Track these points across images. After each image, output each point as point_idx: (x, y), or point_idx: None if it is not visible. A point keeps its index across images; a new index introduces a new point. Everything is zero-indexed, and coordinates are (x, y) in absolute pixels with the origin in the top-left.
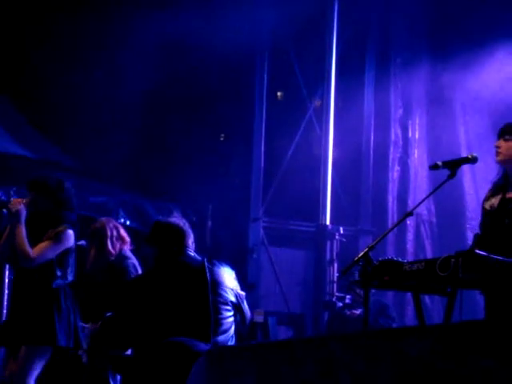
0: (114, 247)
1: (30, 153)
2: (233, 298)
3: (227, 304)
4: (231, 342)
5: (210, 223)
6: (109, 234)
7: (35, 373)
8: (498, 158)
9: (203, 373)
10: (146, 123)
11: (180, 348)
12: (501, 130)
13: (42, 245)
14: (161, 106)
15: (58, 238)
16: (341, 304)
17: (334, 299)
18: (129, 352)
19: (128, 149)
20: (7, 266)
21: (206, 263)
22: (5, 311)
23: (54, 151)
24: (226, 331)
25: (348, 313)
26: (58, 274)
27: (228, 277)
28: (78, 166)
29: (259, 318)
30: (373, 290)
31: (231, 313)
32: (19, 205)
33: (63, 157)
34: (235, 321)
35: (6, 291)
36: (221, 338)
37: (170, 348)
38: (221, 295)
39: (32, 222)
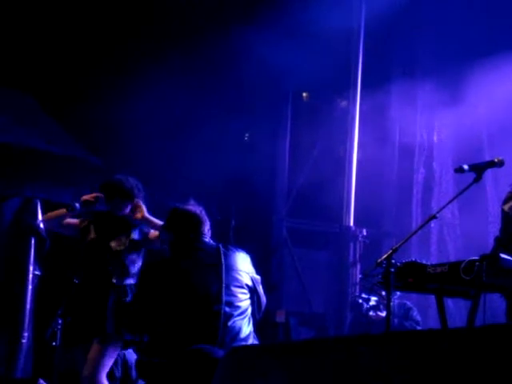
0: None
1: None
2: (248, 282)
3: (243, 287)
4: (249, 326)
5: (233, 222)
6: None
7: (107, 369)
8: None
9: (227, 372)
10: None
11: (202, 355)
12: None
13: None
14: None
15: None
16: (367, 306)
17: (360, 301)
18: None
19: (155, 148)
20: (31, 261)
21: (221, 248)
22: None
23: (78, 148)
24: (242, 313)
25: (373, 315)
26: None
27: (243, 261)
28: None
29: (281, 318)
30: (398, 293)
31: (247, 295)
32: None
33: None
34: (251, 304)
35: (30, 287)
36: (238, 320)
37: (195, 356)
38: (236, 279)
39: (102, 220)
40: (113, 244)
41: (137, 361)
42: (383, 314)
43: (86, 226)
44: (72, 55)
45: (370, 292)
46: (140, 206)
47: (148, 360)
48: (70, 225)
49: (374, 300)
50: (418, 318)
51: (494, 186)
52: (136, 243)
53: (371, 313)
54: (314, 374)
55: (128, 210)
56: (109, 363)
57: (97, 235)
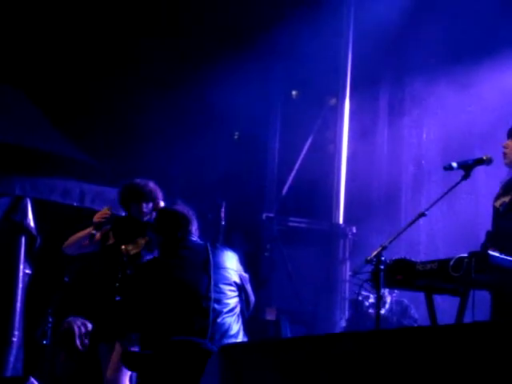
0: (82, 345)
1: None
2: (236, 279)
3: (231, 285)
4: (238, 323)
5: (223, 221)
6: (77, 332)
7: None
8: (505, 161)
9: (217, 369)
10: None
11: (193, 346)
12: (510, 130)
13: None
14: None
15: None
16: (367, 303)
17: (360, 298)
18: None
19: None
20: (22, 260)
21: (209, 246)
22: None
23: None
24: (231, 311)
25: (373, 312)
26: None
27: (230, 259)
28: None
29: (271, 316)
30: (396, 291)
31: (236, 293)
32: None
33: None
34: (240, 301)
35: (21, 285)
36: (227, 317)
37: (185, 346)
38: (224, 276)
39: (121, 225)
40: (129, 247)
41: (124, 353)
42: (382, 311)
43: (105, 233)
44: (69, 55)
45: (360, 289)
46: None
47: (137, 352)
48: (92, 244)
49: (373, 298)
50: (416, 315)
51: (485, 182)
52: (153, 245)
53: (371, 310)
54: (304, 371)
55: (149, 212)
56: None
57: (115, 240)
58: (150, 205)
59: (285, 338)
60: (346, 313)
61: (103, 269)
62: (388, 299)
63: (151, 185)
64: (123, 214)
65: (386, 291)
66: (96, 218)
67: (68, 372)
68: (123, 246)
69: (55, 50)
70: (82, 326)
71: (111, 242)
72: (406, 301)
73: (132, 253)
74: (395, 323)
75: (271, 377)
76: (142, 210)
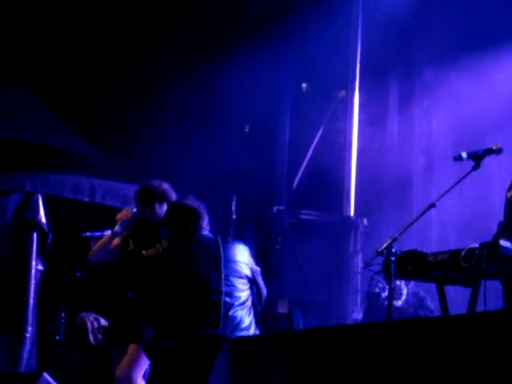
0: (95, 340)
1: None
2: (248, 272)
3: (242, 278)
4: (249, 316)
5: (234, 215)
6: (90, 327)
7: (143, 370)
8: None
9: (228, 362)
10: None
11: (213, 338)
12: None
13: None
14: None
15: None
16: (384, 295)
17: (377, 290)
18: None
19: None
20: (34, 256)
21: (219, 240)
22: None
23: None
24: (243, 304)
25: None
26: None
27: (242, 252)
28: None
29: (283, 309)
30: (412, 282)
31: (247, 286)
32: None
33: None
34: (252, 294)
35: (33, 281)
36: (239, 310)
37: (205, 338)
38: (235, 270)
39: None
40: (149, 251)
41: (150, 344)
42: (399, 302)
43: (124, 238)
44: (77, 50)
45: (371, 281)
46: None
47: (158, 344)
48: (115, 248)
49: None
50: (432, 306)
51: (497, 171)
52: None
53: (386, 302)
54: (315, 363)
55: (162, 213)
56: (145, 364)
57: (135, 245)
58: (164, 206)
59: (295, 331)
60: (358, 305)
61: (124, 273)
62: (404, 291)
63: (165, 186)
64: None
65: (402, 283)
66: (119, 216)
67: (81, 367)
68: (144, 252)
69: (63, 46)
70: (94, 320)
71: (131, 247)
72: (422, 292)
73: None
74: (412, 314)
75: (282, 370)
76: (155, 211)
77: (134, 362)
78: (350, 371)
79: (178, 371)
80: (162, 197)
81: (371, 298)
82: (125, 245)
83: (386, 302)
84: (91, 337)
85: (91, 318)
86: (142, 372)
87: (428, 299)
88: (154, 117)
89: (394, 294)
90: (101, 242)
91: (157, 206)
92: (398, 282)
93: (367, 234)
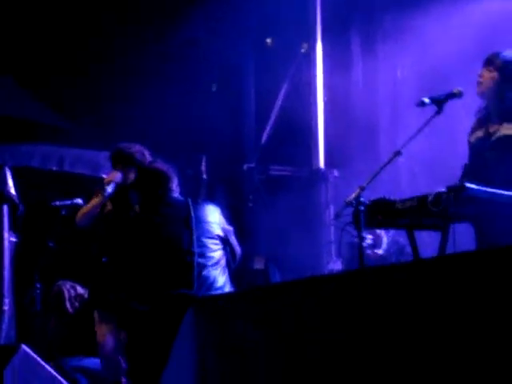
0: (72, 308)
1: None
2: (220, 232)
3: (214, 238)
4: (224, 275)
5: (204, 175)
6: (67, 295)
7: None
8: (479, 90)
9: (194, 320)
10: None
11: (188, 298)
12: (486, 59)
13: None
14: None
15: None
16: (364, 244)
17: (357, 240)
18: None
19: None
20: (6, 228)
21: (190, 202)
22: None
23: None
24: (216, 264)
25: (370, 253)
26: None
27: (212, 213)
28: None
29: (260, 265)
30: (391, 231)
31: (220, 246)
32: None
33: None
34: (225, 254)
35: (7, 253)
36: (212, 271)
37: (181, 300)
38: (207, 230)
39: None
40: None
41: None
42: (380, 251)
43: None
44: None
45: (342, 232)
46: None
47: (132, 308)
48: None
49: (370, 239)
50: None
51: (465, 116)
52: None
53: (368, 251)
54: (290, 317)
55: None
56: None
57: (113, 207)
58: (131, 168)
59: (264, 285)
60: (333, 256)
61: (100, 239)
62: (385, 239)
63: (134, 149)
64: None
65: (382, 232)
66: (107, 178)
67: (59, 336)
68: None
69: (27, 16)
70: (71, 288)
71: (109, 208)
72: (401, 240)
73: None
74: (394, 262)
75: (254, 326)
76: (126, 175)
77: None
78: (327, 322)
79: (153, 333)
80: (131, 160)
81: (351, 248)
82: (103, 207)
83: (368, 251)
84: (68, 305)
85: (68, 287)
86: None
87: (408, 246)
88: (119, 81)
89: (374, 242)
90: (89, 205)
91: (127, 169)
92: (377, 231)
93: (338, 185)
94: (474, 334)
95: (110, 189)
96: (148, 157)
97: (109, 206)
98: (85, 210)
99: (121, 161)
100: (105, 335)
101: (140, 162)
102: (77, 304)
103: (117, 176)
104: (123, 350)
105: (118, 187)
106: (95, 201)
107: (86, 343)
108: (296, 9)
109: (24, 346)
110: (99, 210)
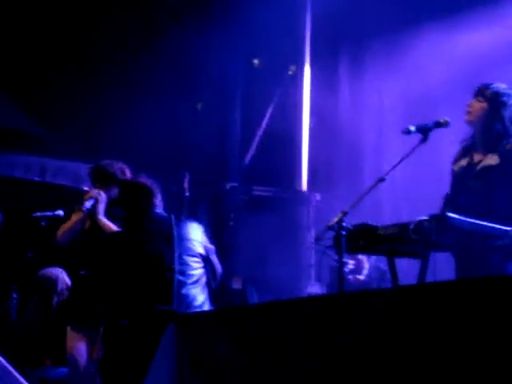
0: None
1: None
2: (201, 250)
3: (195, 256)
4: (203, 293)
5: (187, 193)
6: (59, 288)
7: None
8: (468, 119)
9: (174, 338)
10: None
11: (168, 316)
12: (476, 89)
13: None
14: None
15: None
16: (346, 269)
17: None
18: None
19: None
20: None
21: (173, 219)
22: None
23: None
24: (196, 282)
25: (352, 278)
26: None
27: (195, 231)
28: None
29: (237, 285)
30: (373, 257)
31: (200, 264)
32: (101, 193)
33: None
34: (206, 272)
35: None
36: (192, 289)
37: (160, 316)
38: (188, 248)
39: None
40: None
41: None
42: (361, 277)
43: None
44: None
45: (322, 256)
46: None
47: (111, 322)
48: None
49: (352, 264)
50: None
51: (449, 145)
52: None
53: (350, 276)
54: (264, 338)
55: (115, 194)
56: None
57: (91, 223)
58: (112, 185)
59: (244, 306)
60: (312, 279)
61: (80, 252)
62: (366, 265)
63: (115, 166)
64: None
65: (364, 257)
66: (85, 197)
67: (37, 318)
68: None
69: (13, 23)
70: (64, 284)
71: (88, 225)
72: (382, 265)
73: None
74: (375, 288)
75: (231, 346)
76: (109, 192)
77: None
78: (304, 345)
79: (131, 349)
80: (112, 178)
81: (333, 272)
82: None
83: (349, 276)
84: (55, 298)
85: (65, 280)
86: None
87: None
88: (104, 95)
89: (356, 268)
90: (69, 222)
91: (107, 187)
92: (359, 257)
93: (320, 209)
94: (449, 363)
95: (88, 204)
96: (128, 175)
97: (89, 222)
98: (65, 227)
99: (100, 179)
100: (78, 348)
101: (119, 177)
102: (61, 301)
103: (96, 193)
104: (97, 364)
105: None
106: (75, 218)
107: (61, 332)
108: (285, 31)
109: None
110: (80, 226)
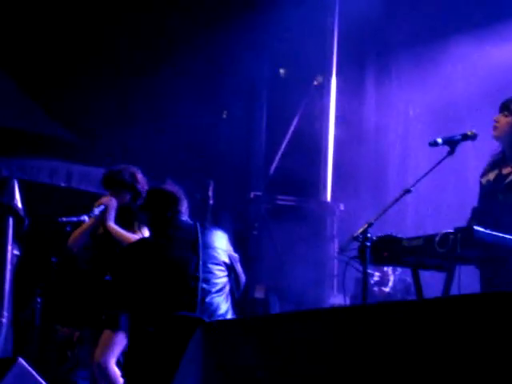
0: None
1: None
2: (226, 259)
3: (220, 264)
4: (227, 302)
5: (211, 201)
6: None
7: (116, 357)
8: (495, 134)
9: (200, 345)
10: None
11: (192, 323)
12: (502, 104)
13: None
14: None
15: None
16: (372, 281)
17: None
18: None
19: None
20: (10, 241)
21: (198, 226)
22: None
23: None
24: (220, 290)
25: (377, 290)
26: None
27: (220, 239)
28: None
29: (260, 294)
30: (399, 269)
31: (225, 273)
32: (112, 200)
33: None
34: (230, 281)
35: (9, 266)
36: (216, 297)
37: (184, 322)
38: (213, 256)
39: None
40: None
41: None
42: (387, 289)
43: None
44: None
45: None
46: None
47: (134, 328)
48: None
49: (377, 275)
50: None
51: (474, 157)
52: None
53: (375, 288)
54: (288, 347)
55: (128, 199)
56: (118, 350)
57: (104, 230)
58: (126, 191)
59: (270, 315)
60: (335, 290)
61: (101, 257)
62: (391, 277)
63: (129, 170)
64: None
65: (389, 269)
66: (100, 201)
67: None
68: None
69: (39, 32)
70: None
71: (101, 230)
72: (408, 279)
73: None
74: (400, 300)
75: (255, 354)
76: (120, 199)
77: (108, 349)
78: (323, 355)
79: (154, 355)
80: (122, 183)
81: (358, 284)
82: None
83: (374, 288)
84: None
85: None
86: (115, 357)
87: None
88: (131, 103)
89: (381, 280)
90: (79, 229)
91: (119, 193)
92: (385, 269)
93: (344, 219)
94: (473, 377)
95: (96, 211)
96: (140, 177)
97: (101, 228)
98: (76, 234)
99: (110, 185)
100: (101, 353)
101: (131, 184)
102: None
103: (106, 200)
104: (122, 371)
105: (118, 209)
106: (85, 225)
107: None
108: (311, 40)
109: (21, 360)
110: (90, 232)
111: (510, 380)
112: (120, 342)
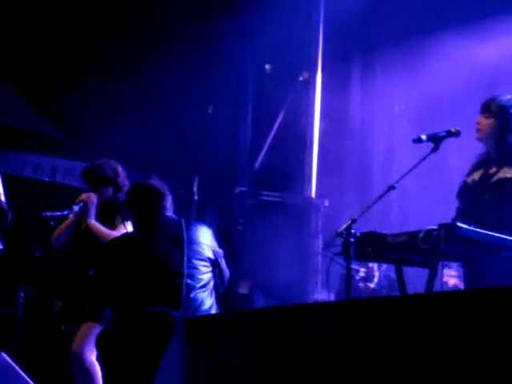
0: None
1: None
2: (210, 255)
3: (204, 260)
4: (211, 298)
5: (196, 196)
6: None
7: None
8: (478, 136)
9: (182, 341)
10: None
11: (161, 317)
12: (483, 105)
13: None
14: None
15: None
16: (357, 277)
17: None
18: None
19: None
20: None
21: (183, 222)
22: None
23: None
24: (204, 286)
25: (362, 286)
26: None
27: (204, 234)
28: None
29: (244, 290)
30: (384, 265)
31: (209, 269)
32: (91, 196)
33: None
34: (214, 277)
35: None
36: (200, 293)
37: (155, 316)
38: (197, 252)
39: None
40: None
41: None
42: (372, 285)
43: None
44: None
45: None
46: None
47: (116, 324)
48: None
49: (363, 271)
50: None
51: (457, 154)
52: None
53: (361, 284)
54: (271, 342)
55: (110, 194)
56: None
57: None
58: (106, 185)
59: (251, 310)
60: (319, 286)
61: (84, 252)
62: (377, 273)
63: (104, 166)
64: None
65: (375, 265)
66: (81, 197)
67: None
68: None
69: (26, 27)
70: None
71: (84, 226)
72: (392, 274)
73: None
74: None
75: (238, 350)
76: (101, 194)
77: (87, 339)
78: (309, 350)
79: (137, 351)
80: (103, 179)
81: (343, 280)
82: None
83: (359, 284)
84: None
85: None
86: (94, 350)
87: None
88: (115, 97)
89: (367, 276)
90: (61, 226)
91: (99, 188)
92: (370, 265)
93: (328, 215)
94: (453, 373)
95: (76, 208)
96: (120, 171)
97: (84, 225)
98: (58, 231)
99: (91, 180)
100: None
101: (112, 178)
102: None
103: (85, 196)
104: (101, 370)
105: (100, 204)
106: (66, 222)
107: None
108: (297, 36)
109: (3, 355)
110: (72, 229)
111: (503, 378)
112: (96, 332)
